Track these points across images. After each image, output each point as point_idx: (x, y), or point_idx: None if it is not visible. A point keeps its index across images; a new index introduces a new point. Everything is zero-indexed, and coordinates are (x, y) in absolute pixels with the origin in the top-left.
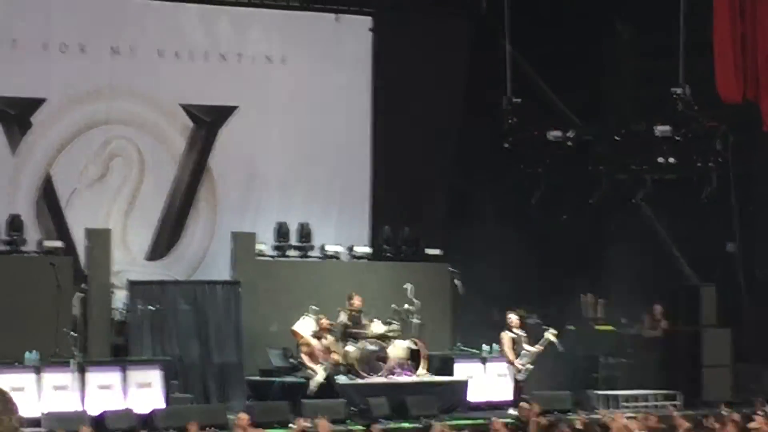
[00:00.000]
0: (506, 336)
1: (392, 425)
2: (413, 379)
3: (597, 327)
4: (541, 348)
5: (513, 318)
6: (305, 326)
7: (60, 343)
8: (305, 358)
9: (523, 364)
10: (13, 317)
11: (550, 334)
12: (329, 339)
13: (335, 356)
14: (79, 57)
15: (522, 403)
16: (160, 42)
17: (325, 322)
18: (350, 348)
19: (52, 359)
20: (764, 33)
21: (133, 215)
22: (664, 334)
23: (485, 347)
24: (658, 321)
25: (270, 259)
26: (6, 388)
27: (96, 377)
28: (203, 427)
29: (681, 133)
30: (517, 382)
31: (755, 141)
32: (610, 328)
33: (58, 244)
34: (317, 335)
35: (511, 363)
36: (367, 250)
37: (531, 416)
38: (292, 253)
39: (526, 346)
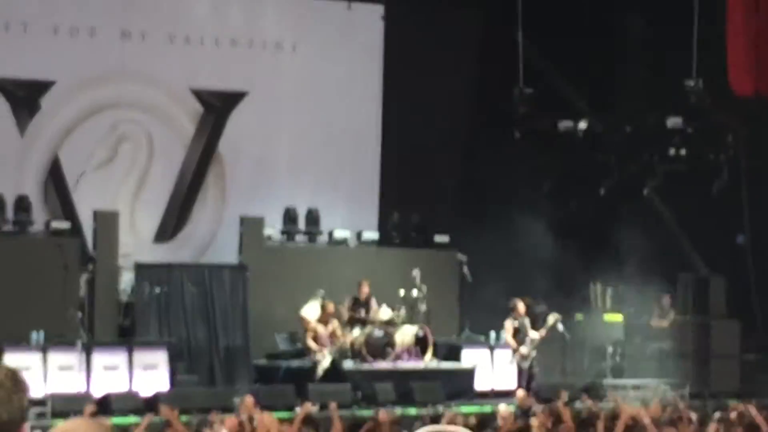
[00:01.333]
0: (509, 323)
1: (398, 411)
2: (420, 365)
3: (605, 316)
4: (545, 333)
5: (518, 305)
6: (312, 311)
7: (66, 324)
8: (311, 343)
9: (527, 351)
10: (20, 297)
11: (552, 318)
12: (335, 324)
13: (342, 341)
14: (89, 40)
15: (518, 391)
16: (171, 26)
17: (330, 307)
18: (357, 333)
19: (58, 339)
20: None
21: (142, 198)
22: (672, 325)
23: (492, 335)
24: (666, 311)
25: (278, 243)
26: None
27: (102, 358)
28: (204, 410)
29: (693, 125)
30: (521, 369)
31: (767, 135)
32: (618, 317)
33: (66, 225)
34: (323, 320)
35: (514, 350)
36: (376, 236)
37: (526, 405)
38: (300, 238)
39: (531, 333)
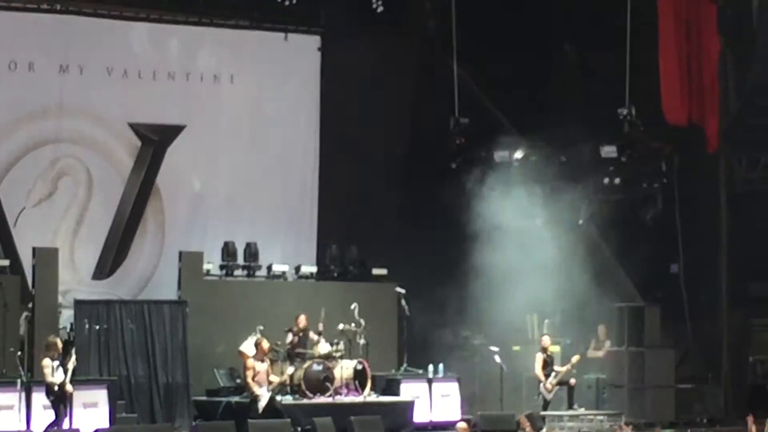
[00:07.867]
0: (540, 356)
1: None
2: (359, 399)
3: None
4: (569, 368)
5: (543, 339)
6: (251, 347)
7: (6, 363)
8: (249, 380)
9: (552, 385)
10: None
11: (575, 358)
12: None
13: (279, 377)
14: (27, 75)
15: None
16: (109, 60)
17: (264, 345)
18: (296, 368)
19: None
20: (709, 55)
21: (81, 234)
22: (608, 355)
23: (431, 367)
24: (602, 341)
25: (217, 278)
26: None
27: (42, 397)
28: None
29: (627, 154)
30: (546, 401)
31: (700, 163)
32: (555, 348)
33: (5, 263)
34: (260, 357)
35: (540, 382)
36: (314, 269)
37: None
38: (239, 272)
39: (556, 367)
